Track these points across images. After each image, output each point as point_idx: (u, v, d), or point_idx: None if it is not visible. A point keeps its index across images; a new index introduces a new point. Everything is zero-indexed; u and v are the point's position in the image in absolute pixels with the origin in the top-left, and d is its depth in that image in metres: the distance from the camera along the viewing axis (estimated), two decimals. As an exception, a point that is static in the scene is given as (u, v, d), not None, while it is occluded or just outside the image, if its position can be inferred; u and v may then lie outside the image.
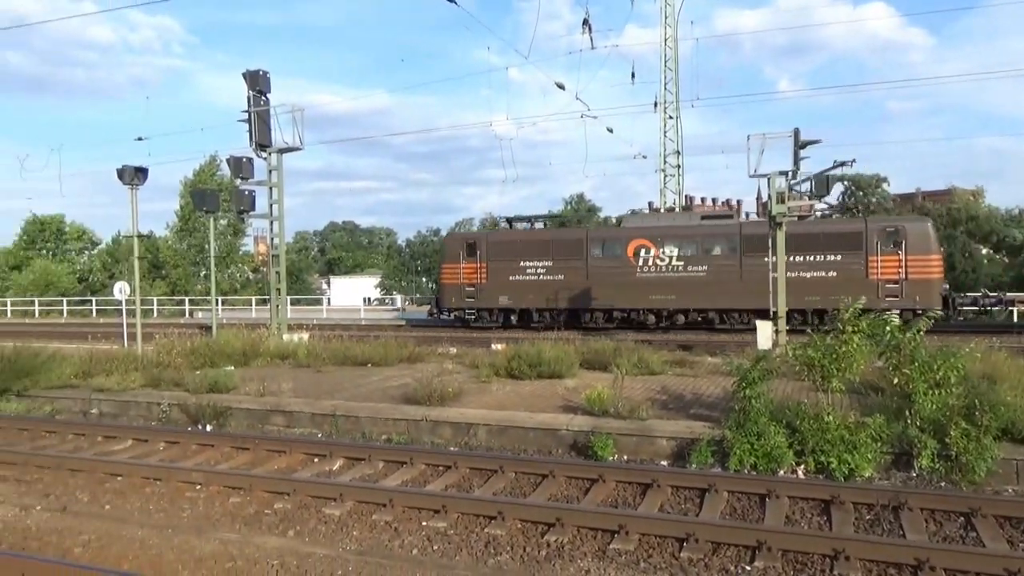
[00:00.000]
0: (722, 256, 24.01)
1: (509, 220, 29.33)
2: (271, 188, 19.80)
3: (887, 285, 21.96)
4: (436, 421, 10.01)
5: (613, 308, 25.37)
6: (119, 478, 8.40)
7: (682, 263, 24.35)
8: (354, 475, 8.37)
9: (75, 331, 26.20)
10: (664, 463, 8.58)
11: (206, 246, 47.15)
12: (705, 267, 24.13)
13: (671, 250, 24.50)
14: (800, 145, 14.60)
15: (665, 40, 33.53)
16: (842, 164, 26.10)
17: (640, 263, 24.85)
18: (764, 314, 22.16)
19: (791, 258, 21.38)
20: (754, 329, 22.75)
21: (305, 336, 18.87)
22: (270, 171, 19.75)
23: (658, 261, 24.62)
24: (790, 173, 14.96)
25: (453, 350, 17.07)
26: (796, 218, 18.36)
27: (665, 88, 33.53)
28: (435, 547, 6.23)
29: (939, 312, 19.68)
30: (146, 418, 11.92)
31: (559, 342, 14.13)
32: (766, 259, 21.51)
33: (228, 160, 19.55)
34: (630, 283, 24.88)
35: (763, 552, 5.73)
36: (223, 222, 51.62)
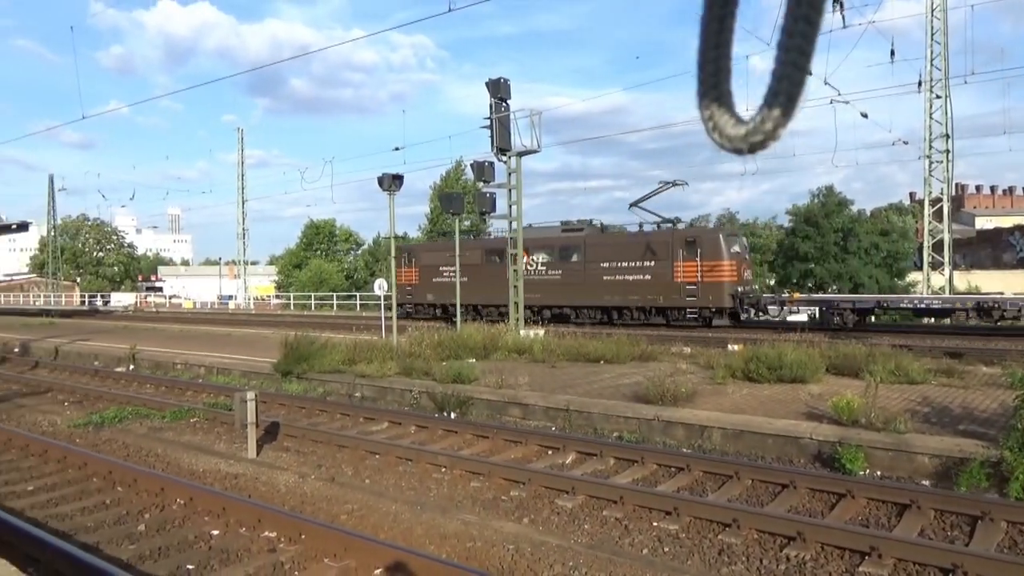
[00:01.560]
0: (573, 262, 28.31)
1: (441, 234, 34.46)
2: (510, 190, 20.72)
3: (687, 287, 25.08)
4: (668, 421, 9.86)
5: (500, 304, 28.62)
6: (377, 456, 9.29)
7: (545, 267, 28.96)
8: (586, 470, 8.50)
9: (342, 323, 29.42)
10: (925, 483, 7.69)
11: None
12: (560, 271, 28.64)
13: (538, 256, 29.08)
14: (1109, 119, 12.26)
15: (932, 10, 29.96)
16: (671, 184, 27.57)
17: (541, 265, 29.41)
18: (603, 310, 27.37)
19: (619, 263, 26.76)
20: (608, 322, 26.68)
21: (540, 332, 19.51)
22: (509, 174, 20.67)
23: (529, 266, 28.43)
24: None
25: (687, 350, 16.68)
26: None
27: (932, 64, 29.98)
28: (666, 549, 6.14)
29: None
30: (399, 403, 13.04)
31: (802, 344, 13.24)
32: (603, 264, 27.18)
33: (472, 165, 20.81)
34: (531, 280, 28.41)
35: (1053, 596, 4.92)
36: (467, 223, 55.01)
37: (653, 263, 25.85)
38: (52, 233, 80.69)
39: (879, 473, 8.04)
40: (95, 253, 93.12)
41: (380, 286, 19.92)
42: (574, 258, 28.33)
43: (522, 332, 19.30)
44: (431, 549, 6.11)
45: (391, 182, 19.25)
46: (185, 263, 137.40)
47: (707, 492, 7.62)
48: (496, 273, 29.68)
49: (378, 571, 5.48)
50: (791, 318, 26.48)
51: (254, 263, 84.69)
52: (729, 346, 16.34)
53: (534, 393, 11.75)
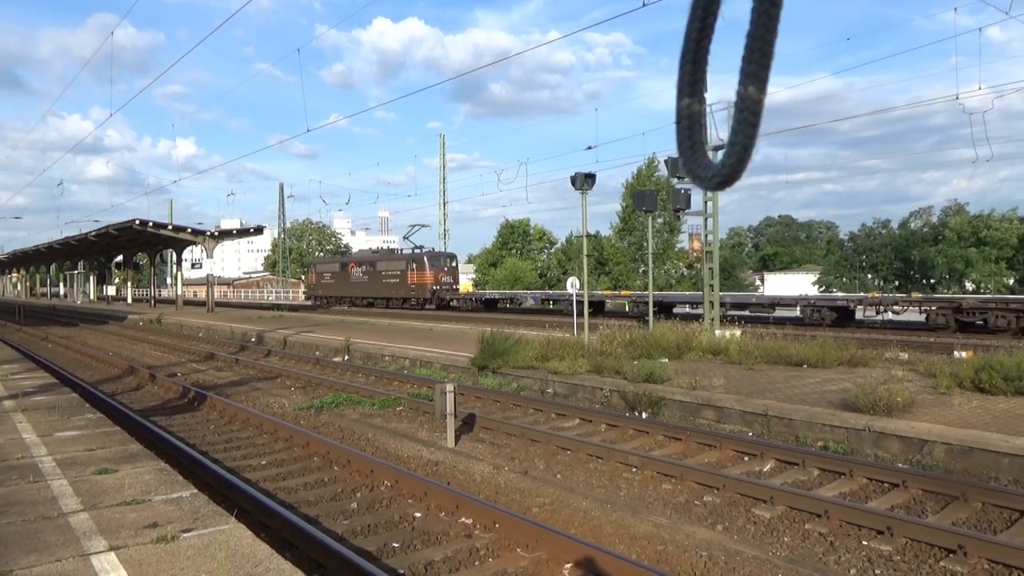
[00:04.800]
0: (372, 272, 48.03)
1: (333, 252, 66.69)
2: (705, 185, 20.10)
3: (411, 286, 43.98)
4: (881, 432, 9.06)
5: (346, 296, 50.21)
6: (568, 452, 9.40)
7: (361, 274, 49.09)
8: (786, 479, 8.04)
9: (535, 320, 30.12)
10: None
11: (644, 244, 49.96)
12: (367, 277, 48.48)
13: (360, 268, 49.56)
14: None
15: None
16: (421, 226, 52.90)
17: (352, 274, 50.13)
18: (384, 299, 46.44)
19: (388, 272, 46.26)
20: (387, 307, 45.79)
21: (737, 332, 18.73)
22: (704, 169, 20.05)
23: (356, 274, 49.67)
24: None
25: (903, 355, 15.24)
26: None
27: None
28: (877, 571, 5.65)
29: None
30: (590, 401, 13.10)
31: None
32: (383, 273, 46.74)
33: (666, 161, 20.44)
34: (350, 284, 50.27)
35: None
36: (660, 220, 54.15)
37: (400, 272, 45.37)
38: (282, 235, 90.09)
39: None
40: (317, 253, 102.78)
41: (572, 284, 20.15)
42: (373, 270, 48.34)
43: (717, 332, 18.64)
44: (621, 549, 6.09)
45: (583, 181, 19.39)
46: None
47: (927, 513, 6.92)
48: (345, 278, 50.96)
49: (568, 565, 5.55)
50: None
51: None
52: (955, 353, 14.71)
53: (729, 396, 11.31)
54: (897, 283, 65.52)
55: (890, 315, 25.59)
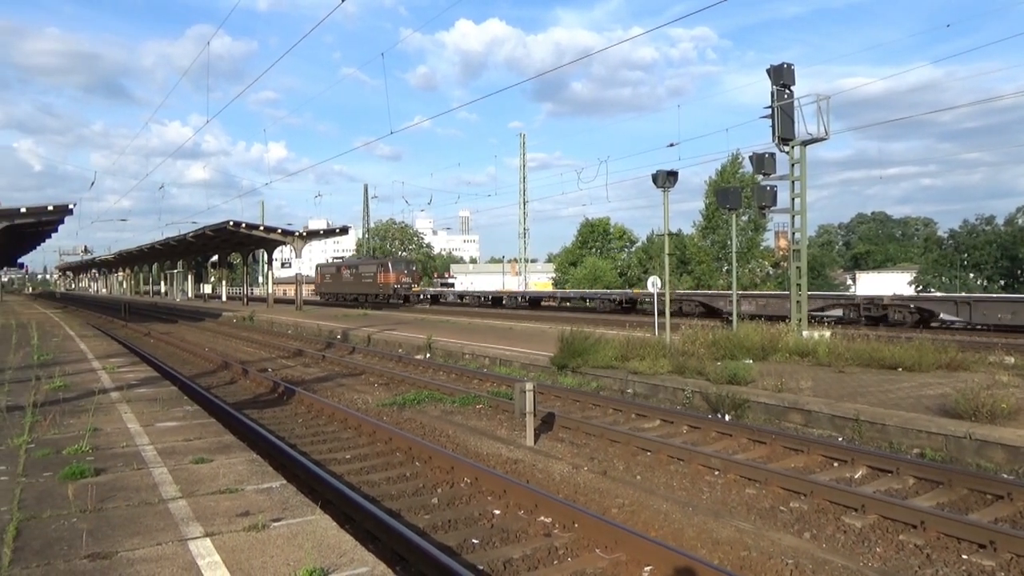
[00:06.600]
0: (356, 274, 59.59)
1: (335, 259, 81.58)
2: (793, 182, 19.46)
3: (380, 285, 54.82)
4: (984, 441, 8.57)
5: (340, 293, 61.36)
6: (648, 453, 9.28)
7: (349, 275, 60.69)
8: (878, 487, 7.71)
9: (615, 320, 29.88)
10: None
11: (728, 242, 48.83)
12: (354, 278, 59.56)
13: (350, 270, 61.54)
14: None
15: None
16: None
17: (346, 275, 61.45)
18: (365, 295, 56.79)
19: (366, 274, 57.96)
20: (368, 302, 54.28)
21: (826, 333, 18.07)
22: (792, 164, 19.41)
23: (348, 275, 61.06)
24: None
25: (1009, 359, 14.36)
26: None
27: None
28: (979, 587, 5.34)
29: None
30: (671, 402, 12.90)
31: None
32: (362, 274, 58.62)
33: (751, 157, 19.88)
34: (344, 283, 61.24)
35: None
36: (744, 218, 52.76)
37: (373, 274, 55.92)
38: (366, 235, 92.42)
39: None
40: (399, 252, 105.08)
41: (653, 283, 19.88)
42: (356, 272, 59.47)
43: (804, 333, 18.03)
44: (702, 554, 5.97)
45: (665, 179, 19.11)
46: (473, 261, 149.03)
47: (1035, 527, 6.50)
48: (339, 279, 62.29)
49: (648, 568, 5.48)
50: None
51: (533, 261, 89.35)
52: (1068, 357, 13.75)
53: (817, 399, 10.92)
54: (1003, 283, 61.75)
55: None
